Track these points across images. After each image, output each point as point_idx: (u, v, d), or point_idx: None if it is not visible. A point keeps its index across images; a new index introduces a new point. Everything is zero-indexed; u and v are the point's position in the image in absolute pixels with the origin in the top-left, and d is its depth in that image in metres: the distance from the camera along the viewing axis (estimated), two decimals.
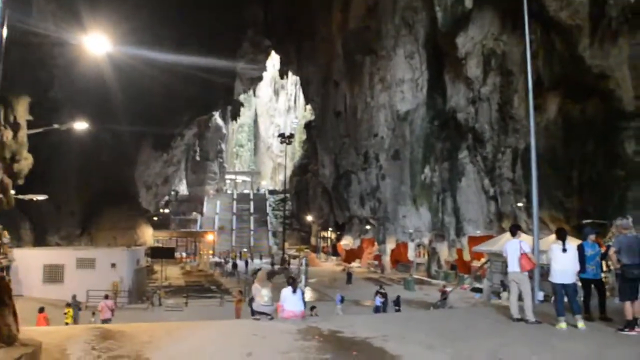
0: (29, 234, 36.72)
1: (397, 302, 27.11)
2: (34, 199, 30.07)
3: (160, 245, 46.71)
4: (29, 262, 30.16)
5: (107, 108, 42.64)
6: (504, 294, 28.86)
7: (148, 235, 46.01)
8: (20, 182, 17.96)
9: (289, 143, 55.83)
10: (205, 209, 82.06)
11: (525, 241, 8.73)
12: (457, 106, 44.16)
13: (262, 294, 8.95)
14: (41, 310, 18.63)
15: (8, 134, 23.73)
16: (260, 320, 8.85)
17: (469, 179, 43.63)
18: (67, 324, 19.84)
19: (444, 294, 29.85)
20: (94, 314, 22.39)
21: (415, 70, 49.85)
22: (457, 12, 40.76)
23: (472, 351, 6.30)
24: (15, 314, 6.98)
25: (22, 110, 25.76)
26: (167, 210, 63.51)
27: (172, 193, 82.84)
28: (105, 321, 21.62)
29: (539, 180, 13.65)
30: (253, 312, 9.02)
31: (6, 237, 29.18)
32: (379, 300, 28.92)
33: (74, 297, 23.16)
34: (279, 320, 8.88)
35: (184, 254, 58.94)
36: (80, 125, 28.71)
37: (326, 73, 60.57)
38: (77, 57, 39.41)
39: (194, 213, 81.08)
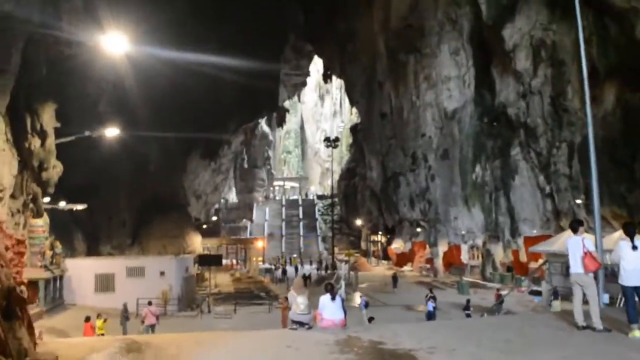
0: (82, 244, 37.52)
1: (467, 306, 26.08)
2: (74, 209, 30.53)
3: (210, 252, 46.94)
4: (81, 271, 30.72)
5: (154, 117, 43.24)
6: (555, 303, 27.15)
7: (197, 243, 46.33)
8: (51, 190, 17.94)
9: (335, 147, 55.26)
10: (254, 216, 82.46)
11: (588, 238, 7.72)
12: (507, 101, 42.56)
13: (297, 302, 8.35)
14: (87, 319, 18.67)
15: (36, 142, 23.86)
16: (297, 330, 8.24)
17: (522, 177, 41.86)
18: (101, 335, 19.76)
19: (500, 298, 28.50)
20: (143, 322, 22.41)
21: (461, 66, 48.47)
22: (502, 3, 39.37)
23: None
24: (31, 327, 6.65)
25: (47, 118, 25.97)
26: (214, 218, 63.89)
27: (222, 201, 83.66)
28: (150, 327, 21.68)
29: (598, 175, 12.65)
30: (291, 322, 8.43)
31: (58, 248, 29.76)
32: (431, 305, 27.90)
33: (124, 305, 23.25)
34: (316, 330, 8.23)
35: (234, 261, 59.21)
36: (111, 132, 29.28)
37: (370, 74, 59.71)
38: (122, 66, 40.46)
39: (244, 220, 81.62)
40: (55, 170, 18.74)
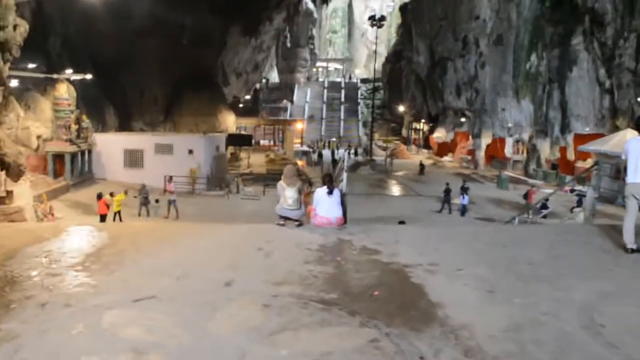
0: (113, 119, 37.14)
1: (544, 205, 23.20)
2: (78, 78, 29.41)
3: (245, 132, 46.16)
4: (110, 146, 30.45)
5: None
6: (577, 210, 24.39)
7: (230, 122, 45.42)
8: (15, 53, 16.29)
9: (380, 26, 51.79)
10: (295, 97, 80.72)
11: None
12: None
13: (285, 195, 7.06)
14: (99, 196, 18.22)
15: None
16: (286, 227, 7.05)
17: (581, 69, 38.35)
18: (116, 213, 19.42)
19: (531, 201, 26.39)
20: (157, 201, 22.21)
21: None
22: None
23: (553, 303, 4.10)
24: None
25: None
26: (247, 97, 62.28)
27: (263, 81, 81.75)
28: (170, 202, 21.48)
29: None
30: (278, 217, 7.22)
31: (85, 121, 29.28)
32: (465, 199, 26.72)
33: (142, 186, 22.80)
34: (306, 228, 7.01)
35: (271, 142, 58.65)
36: None
37: None
38: None
39: (284, 101, 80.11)
40: (19, 30, 16.36)
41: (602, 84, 36.77)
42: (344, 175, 7.96)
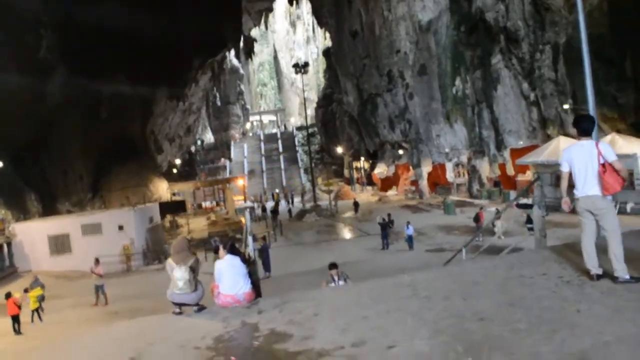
0: (35, 205, 34.68)
1: (529, 219, 22.26)
2: None
3: (179, 198, 44.29)
4: (32, 235, 28.05)
5: (103, 60, 39.40)
6: (498, 223, 23.71)
7: (162, 189, 43.52)
8: None
9: (305, 72, 51.65)
10: (232, 154, 79.50)
11: (606, 143, 4.89)
12: (484, 5, 38.99)
13: (174, 277, 5.67)
14: (7, 296, 16.03)
15: None
16: (183, 315, 5.66)
17: (505, 86, 38.89)
18: (34, 311, 17.29)
19: (478, 220, 26.16)
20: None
21: None
22: None
23: None
24: None
25: None
26: (178, 162, 60.60)
27: (198, 142, 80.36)
28: (98, 287, 19.43)
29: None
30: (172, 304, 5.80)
31: (0, 214, 26.95)
32: (410, 229, 25.71)
33: (34, 278, 20.26)
34: (207, 314, 5.63)
35: (214, 204, 56.83)
36: None
37: None
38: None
39: (222, 159, 78.72)
40: None
41: (527, 97, 37.30)
42: (250, 240, 6.65)
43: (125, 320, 6.47)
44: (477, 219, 26.78)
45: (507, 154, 39.15)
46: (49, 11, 38.30)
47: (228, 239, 6.51)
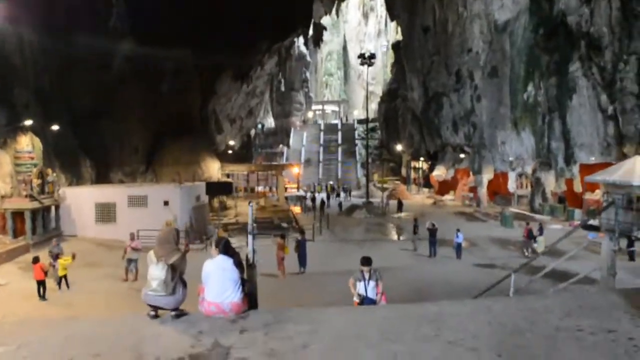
0: (89, 172, 35.17)
1: (630, 243, 20.46)
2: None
3: (230, 179, 44.04)
4: (81, 201, 28.32)
5: (172, 34, 39.52)
6: (540, 239, 23.44)
7: (214, 169, 43.37)
8: None
9: (371, 64, 50.30)
10: (291, 141, 79.16)
11: None
12: (567, 8, 36.48)
13: (150, 274, 4.78)
14: (35, 260, 15.93)
15: None
16: (158, 319, 4.77)
17: (581, 96, 36.27)
18: (62, 277, 17.13)
19: (530, 236, 24.66)
20: (123, 257, 19.83)
21: None
22: None
23: None
24: None
25: None
26: (232, 143, 60.46)
27: (259, 126, 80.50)
28: (131, 261, 19.13)
29: None
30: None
31: (51, 175, 27.24)
32: (460, 237, 24.28)
33: (55, 243, 19.97)
34: (183, 322, 4.71)
35: (266, 189, 56.63)
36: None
37: None
38: None
39: (280, 146, 78.56)
40: None
41: (604, 110, 34.63)
42: (250, 240, 5.69)
43: (91, 319, 5.65)
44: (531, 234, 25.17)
45: (576, 169, 36.64)
46: None
47: (221, 237, 5.53)
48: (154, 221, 27.24)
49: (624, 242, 19.34)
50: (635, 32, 31.93)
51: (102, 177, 36.02)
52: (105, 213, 28.31)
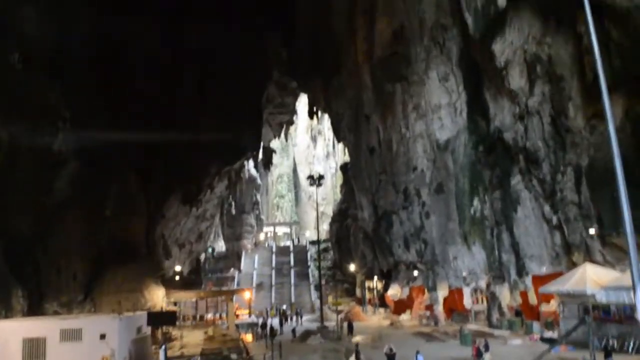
0: (21, 302, 32.52)
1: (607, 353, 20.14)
2: None
3: (176, 308, 41.72)
4: (6, 336, 25.63)
5: (118, 157, 39.19)
6: (487, 356, 23.21)
7: (158, 297, 41.12)
8: None
9: (319, 185, 50.78)
10: (242, 265, 77.23)
11: None
12: (503, 125, 38.54)
13: None
14: None
15: None
16: None
17: (525, 208, 37.21)
18: None
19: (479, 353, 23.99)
20: None
21: (451, 93, 44.73)
22: (490, 13, 35.91)
23: None
24: None
25: None
26: (179, 269, 58.30)
27: (209, 250, 78.69)
28: None
29: (613, 200, 9.91)
30: None
31: None
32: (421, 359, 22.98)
33: None
34: None
35: (216, 316, 53.88)
36: None
37: (356, 107, 56.23)
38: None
39: (232, 270, 76.40)
40: None
41: (549, 220, 35.36)
42: None
43: None
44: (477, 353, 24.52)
45: (528, 280, 36.57)
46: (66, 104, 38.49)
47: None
48: (90, 358, 24.89)
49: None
50: (568, 145, 33.58)
51: (35, 308, 33.26)
52: (34, 349, 25.58)
